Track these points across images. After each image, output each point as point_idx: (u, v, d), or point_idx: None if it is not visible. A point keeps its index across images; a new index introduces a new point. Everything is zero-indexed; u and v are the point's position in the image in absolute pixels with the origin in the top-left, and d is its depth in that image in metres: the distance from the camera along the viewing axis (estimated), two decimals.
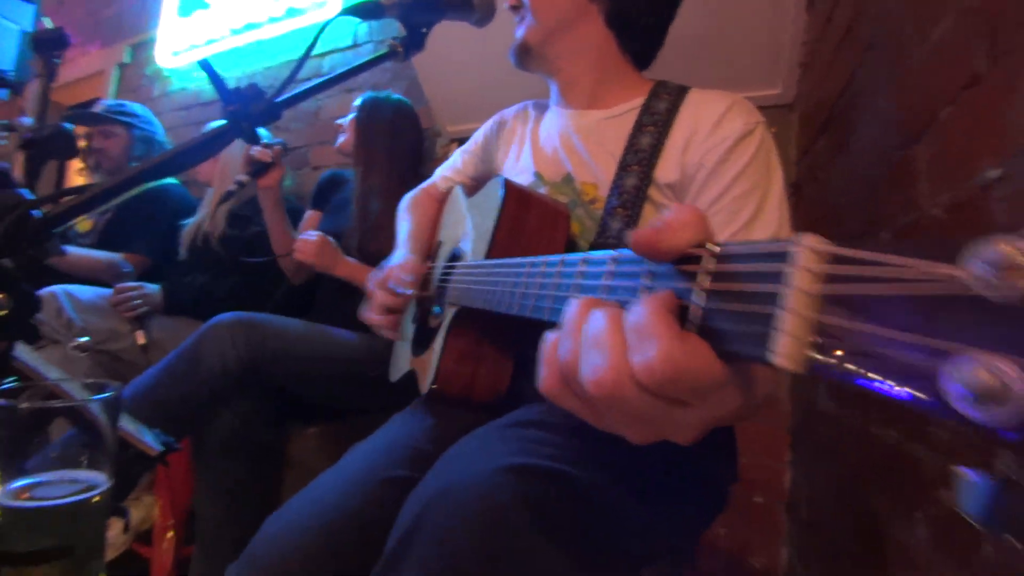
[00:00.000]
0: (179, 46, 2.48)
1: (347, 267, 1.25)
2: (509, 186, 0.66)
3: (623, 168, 0.69)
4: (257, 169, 1.33)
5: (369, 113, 1.45)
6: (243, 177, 1.31)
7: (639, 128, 0.71)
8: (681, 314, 0.26)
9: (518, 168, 0.83)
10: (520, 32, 0.78)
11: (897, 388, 0.17)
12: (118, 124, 1.75)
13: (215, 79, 0.47)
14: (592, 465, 0.50)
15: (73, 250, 1.55)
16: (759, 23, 1.20)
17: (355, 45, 2.05)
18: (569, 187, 0.75)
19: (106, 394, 0.40)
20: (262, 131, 1.69)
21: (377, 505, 0.57)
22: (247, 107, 0.47)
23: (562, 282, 0.38)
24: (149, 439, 0.56)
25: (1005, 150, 0.48)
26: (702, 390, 0.24)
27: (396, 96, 1.52)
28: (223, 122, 0.51)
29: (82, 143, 1.72)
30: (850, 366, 0.18)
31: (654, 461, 0.57)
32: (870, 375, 0.18)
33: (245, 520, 1.00)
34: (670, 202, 0.68)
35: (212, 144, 0.48)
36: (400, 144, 1.45)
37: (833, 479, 0.95)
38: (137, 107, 1.85)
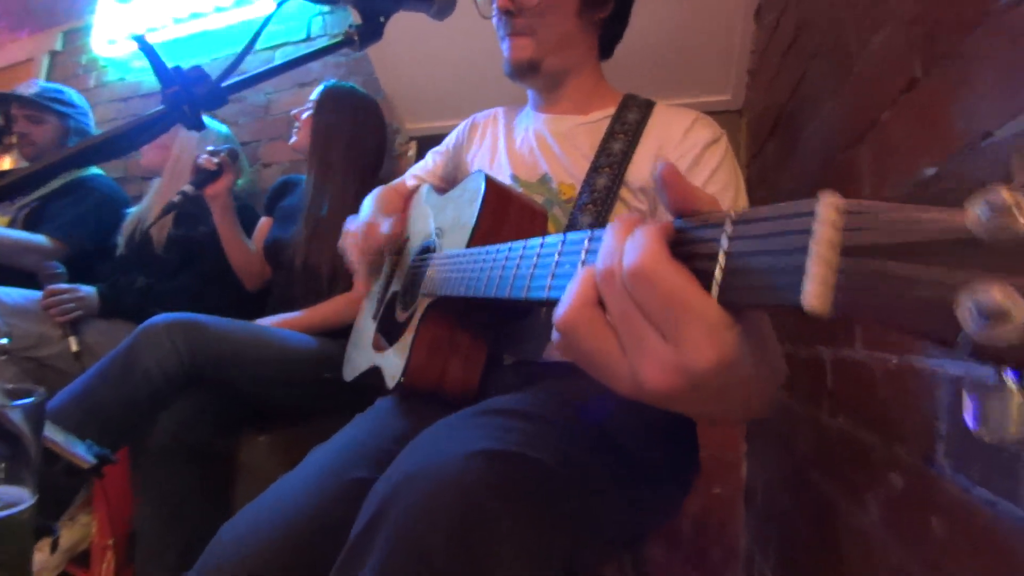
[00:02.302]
0: (117, 34, 2.34)
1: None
2: (490, 180, 0.66)
3: (595, 169, 0.74)
4: (203, 178, 1.26)
5: (328, 107, 1.34)
6: (188, 188, 1.25)
7: (611, 135, 0.76)
8: (704, 277, 0.26)
9: (494, 169, 0.85)
10: (524, 51, 0.79)
11: (916, 323, 0.19)
12: (51, 112, 1.63)
13: (152, 57, 0.44)
14: (562, 453, 0.49)
15: None
16: (709, 32, 1.25)
17: (309, 38, 1.98)
18: (545, 187, 0.78)
19: (27, 400, 0.36)
20: (219, 125, 1.59)
21: (340, 506, 0.54)
22: (189, 90, 0.44)
23: (563, 259, 0.38)
24: (81, 451, 0.52)
25: (941, 149, 0.51)
26: (679, 308, 0.25)
27: (360, 89, 1.42)
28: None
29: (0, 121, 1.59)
30: (871, 304, 0.20)
31: (624, 450, 0.57)
32: (890, 312, 0.19)
33: (189, 533, 0.94)
34: (642, 205, 0.73)
35: (150, 129, 0.44)
36: (361, 144, 1.34)
37: (786, 468, 0.98)
38: (75, 96, 1.72)
